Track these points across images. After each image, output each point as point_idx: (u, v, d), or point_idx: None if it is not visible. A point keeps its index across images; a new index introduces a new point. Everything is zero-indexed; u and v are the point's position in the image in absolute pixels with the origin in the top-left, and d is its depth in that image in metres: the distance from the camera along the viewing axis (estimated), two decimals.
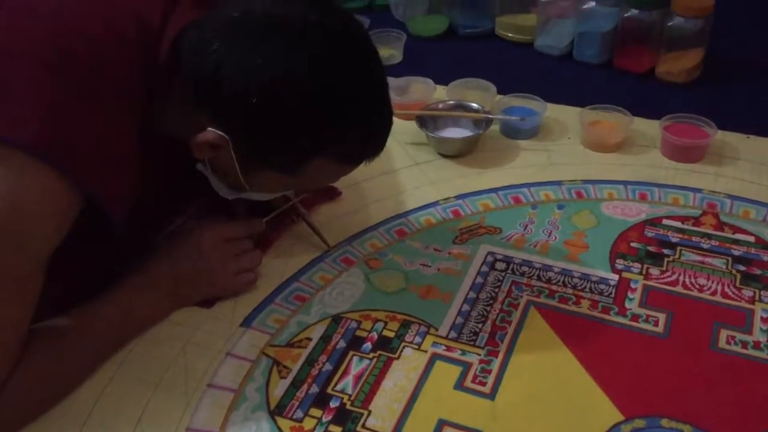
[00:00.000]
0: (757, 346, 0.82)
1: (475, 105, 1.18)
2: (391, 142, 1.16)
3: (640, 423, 0.74)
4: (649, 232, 0.98)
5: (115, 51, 0.71)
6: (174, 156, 0.83)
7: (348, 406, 0.76)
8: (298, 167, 0.76)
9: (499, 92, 1.26)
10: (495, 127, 1.19)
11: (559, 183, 1.08)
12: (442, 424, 0.74)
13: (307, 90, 0.70)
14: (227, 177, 0.81)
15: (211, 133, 0.74)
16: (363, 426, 0.74)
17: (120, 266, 0.85)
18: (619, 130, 1.16)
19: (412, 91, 1.27)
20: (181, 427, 0.75)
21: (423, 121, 1.16)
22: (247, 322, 0.86)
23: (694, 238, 0.97)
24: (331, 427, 0.74)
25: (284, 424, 0.75)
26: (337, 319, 0.86)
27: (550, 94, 1.24)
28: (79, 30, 0.69)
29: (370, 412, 0.76)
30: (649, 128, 1.19)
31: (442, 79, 1.29)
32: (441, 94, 1.26)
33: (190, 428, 0.74)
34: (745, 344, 0.82)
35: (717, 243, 0.96)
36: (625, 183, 1.08)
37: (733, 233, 0.98)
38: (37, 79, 0.66)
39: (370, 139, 0.77)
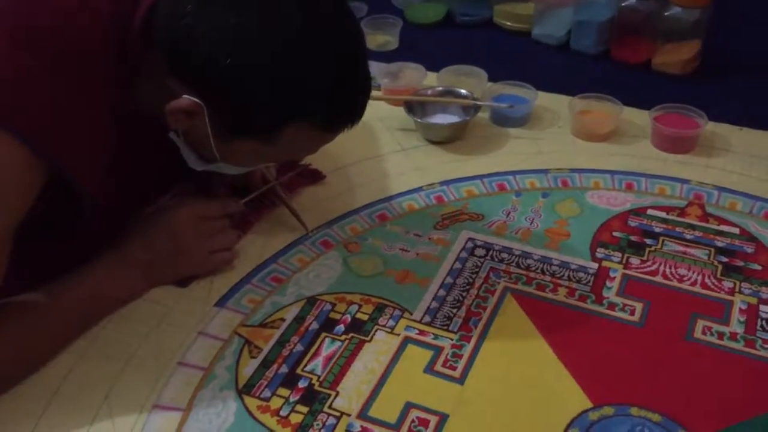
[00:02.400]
0: (733, 337, 0.81)
1: (464, 91, 1.17)
2: (378, 126, 1.17)
3: (608, 410, 0.73)
4: (633, 222, 0.97)
5: (87, 24, 0.70)
6: (155, 143, 0.82)
7: (316, 387, 0.76)
8: (273, 134, 0.74)
9: (494, 80, 1.25)
10: (485, 115, 1.18)
11: (545, 171, 1.07)
12: (408, 407, 0.74)
13: (280, 51, 0.69)
14: (201, 147, 0.80)
15: (186, 99, 0.73)
16: (329, 407, 0.74)
17: (95, 252, 0.84)
18: (609, 119, 1.14)
19: (404, 77, 1.26)
20: (148, 403, 0.75)
21: (411, 107, 1.15)
22: (221, 302, 0.86)
23: (677, 229, 0.96)
24: (298, 407, 0.74)
25: (251, 402, 0.74)
26: (311, 301, 0.86)
27: (546, 83, 1.23)
28: (50, 3, 0.69)
29: (338, 393, 0.75)
30: (640, 118, 1.18)
31: (438, 67, 1.28)
32: (433, 80, 1.25)
33: (157, 405, 0.74)
34: (721, 335, 0.81)
35: (701, 234, 0.95)
36: (612, 173, 1.07)
37: (718, 224, 0.96)
38: (1, 48, 0.65)
39: (344, 103, 0.75)
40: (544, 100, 1.21)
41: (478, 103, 1.14)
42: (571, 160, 1.10)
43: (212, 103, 0.73)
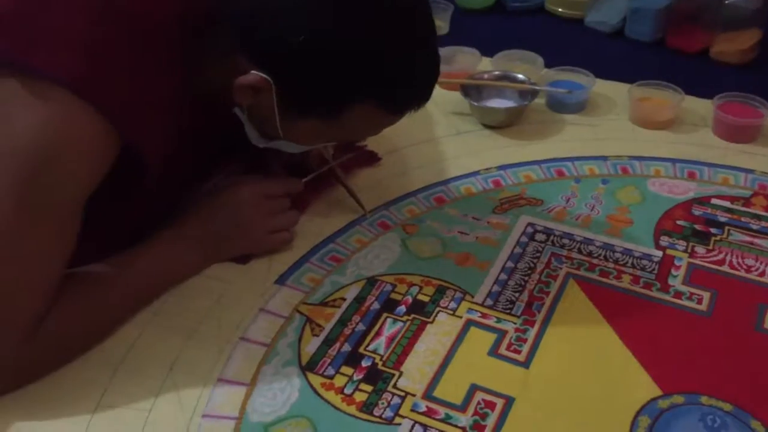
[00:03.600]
0: None
1: (521, 76, 1.15)
2: (433, 110, 1.17)
3: (678, 399, 0.72)
4: (696, 211, 0.95)
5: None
6: (213, 113, 0.82)
7: (380, 366, 0.76)
8: (340, 113, 0.74)
9: (547, 67, 1.23)
10: (540, 100, 1.17)
11: (604, 158, 1.06)
12: (474, 388, 0.73)
13: (354, 29, 0.69)
14: (264, 124, 0.80)
15: (254, 75, 0.72)
16: (394, 386, 0.74)
17: (157, 224, 0.84)
18: (669, 107, 1.12)
19: (458, 61, 1.25)
20: (212, 377, 0.75)
21: (467, 91, 1.14)
22: (281, 280, 0.86)
23: (743, 219, 0.94)
24: (362, 385, 0.74)
25: (315, 379, 0.74)
26: (372, 281, 0.85)
27: (600, 71, 1.21)
28: None
29: (401, 373, 0.75)
30: (701, 107, 1.15)
31: (488, 54, 1.27)
32: (486, 65, 1.24)
33: (221, 378, 0.74)
34: None
35: (767, 224, 0.93)
36: (673, 161, 1.05)
37: None
38: (79, 21, 0.65)
39: (414, 85, 0.75)
40: (600, 87, 1.19)
41: (536, 87, 1.13)
42: (630, 148, 1.08)
43: (280, 79, 0.73)
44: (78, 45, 0.65)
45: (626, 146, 1.08)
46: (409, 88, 0.75)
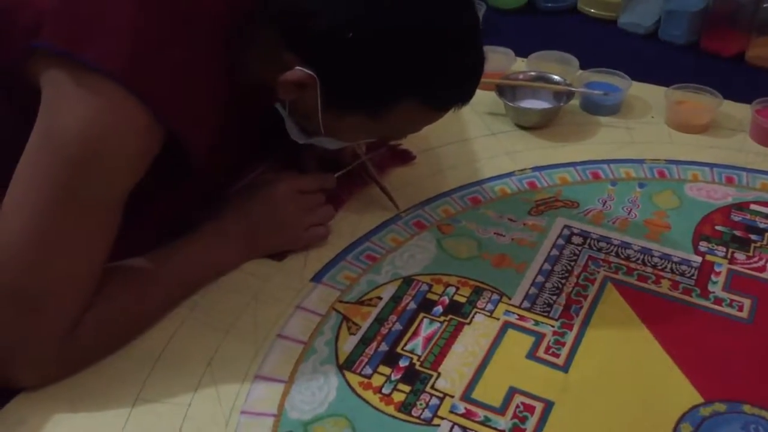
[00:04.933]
0: None
1: (556, 77, 1.15)
2: (467, 110, 1.15)
3: (720, 407, 0.71)
4: (736, 217, 0.94)
5: None
6: (253, 108, 0.83)
7: (417, 366, 0.75)
8: (384, 110, 0.74)
9: (581, 68, 1.22)
10: (575, 102, 1.16)
11: (640, 161, 1.05)
12: (513, 391, 0.73)
13: (403, 27, 0.69)
14: (306, 120, 0.80)
15: (299, 72, 0.72)
16: (432, 387, 0.73)
17: (194, 218, 0.85)
18: (707, 111, 1.11)
19: (491, 61, 1.23)
20: (250, 373, 0.75)
21: (502, 91, 1.13)
22: (317, 278, 0.86)
23: None
24: (400, 386, 0.73)
25: (353, 378, 0.74)
26: (408, 281, 0.85)
27: (633, 73, 1.20)
28: None
29: (439, 374, 0.75)
30: (738, 111, 1.14)
31: (519, 54, 1.26)
32: (520, 65, 1.23)
33: (259, 375, 0.74)
34: None
35: None
36: (710, 165, 1.04)
37: None
38: (128, 13, 0.65)
39: (460, 82, 0.75)
40: (636, 89, 1.18)
41: (572, 89, 1.12)
42: (666, 151, 1.07)
43: (326, 76, 0.72)
44: (127, 37, 0.65)
45: (663, 150, 1.07)
46: (455, 86, 0.75)
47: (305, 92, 0.74)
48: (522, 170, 1.03)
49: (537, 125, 1.11)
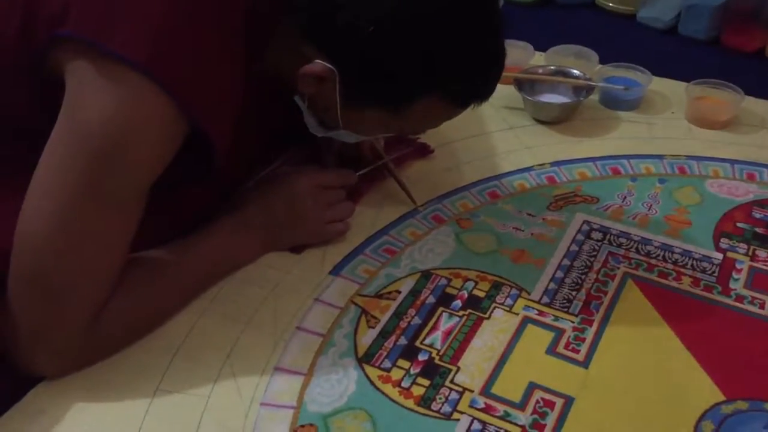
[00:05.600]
0: None
1: (576, 72, 1.14)
2: (485, 105, 1.15)
3: (742, 405, 0.71)
4: (757, 214, 0.93)
5: None
6: (271, 101, 0.82)
7: (436, 361, 0.75)
8: (404, 105, 0.74)
9: (600, 63, 1.22)
10: (594, 97, 1.15)
11: (660, 157, 1.04)
12: (532, 387, 0.73)
13: (425, 23, 0.69)
14: (324, 113, 0.80)
15: (319, 65, 0.72)
16: (451, 381, 0.73)
17: (214, 213, 0.85)
18: (728, 107, 1.10)
19: (510, 55, 1.22)
20: (269, 365, 0.75)
21: (521, 85, 1.12)
22: (336, 271, 0.85)
23: None
24: (420, 380, 0.73)
25: (372, 372, 0.74)
26: (426, 275, 0.85)
27: (652, 68, 1.19)
28: None
29: (459, 368, 0.74)
30: (760, 108, 1.13)
31: (538, 48, 1.25)
32: (538, 60, 1.23)
33: (278, 367, 0.74)
34: None
35: None
36: (731, 162, 1.03)
37: None
38: (155, 6, 0.65)
39: (481, 79, 0.75)
40: (656, 84, 1.17)
41: (592, 84, 1.11)
42: (687, 147, 1.06)
43: (346, 70, 0.72)
44: (151, 28, 0.65)
45: (683, 145, 1.07)
46: (475, 82, 0.74)
47: (324, 85, 0.74)
48: (541, 165, 1.03)
49: (556, 120, 1.10)
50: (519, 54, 1.23)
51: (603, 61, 1.21)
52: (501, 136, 1.09)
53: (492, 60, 0.74)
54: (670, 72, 1.22)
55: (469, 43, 0.71)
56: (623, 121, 1.12)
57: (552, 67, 1.16)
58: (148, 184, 0.70)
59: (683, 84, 1.15)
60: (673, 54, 1.33)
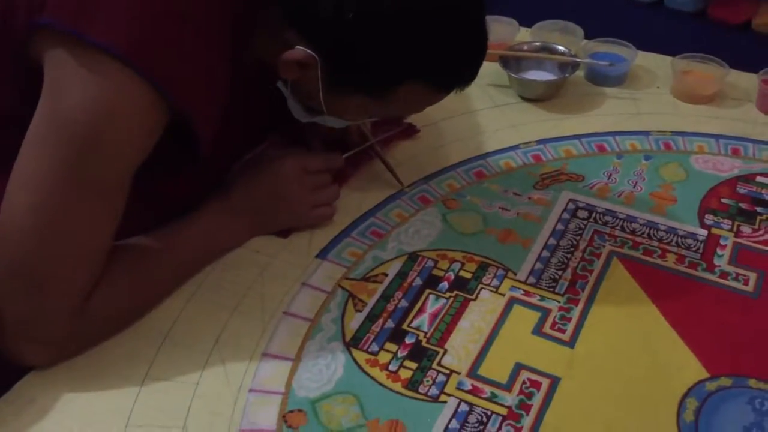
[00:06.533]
0: None
1: (561, 48, 1.13)
2: None
3: (726, 381, 0.71)
4: (742, 189, 0.94)
5: None
6: (258, 92, 0.82)
7: (424, 343, 0.76)
8: (387, 91, 0.74)
9: (586, 38, 1.21)
10: (580, 73, 1.15)
11: (646, 133, 1.04)
12: (519, 367, 0.73)
13: (406, 8, 0.68)
14: (308, 99, 0.79)
15: (301, 51, 0.72)
16: (439, 363, 0.74)
17: (199, 200, 0.84)
18: (713, 81, 1.10)
19: (495, 31, 1.22)
20: (257, 351, 0.75)
21: (506, 62, 1.12)
22: (322, 254, 0.85)
23: None
24: (407, 363, 0.74)
25: (359, 356, 0.74)
26: (413, 257, 0.85)
27: (638, 43, 1.18)
28: None
29: (446, 350, 0.75)
30: (744, 81, 1.13)
31: (523, 23, 1.25)
32: (524, 35, 1.22)
33: (266, 353, 0.75)
34: None
35: None
36: (716, 137, 1.03)
37: None
38: None
39: (464, 63, 0.75)
40: (641, 59, 1.17)
41: (577, 60, 1.11)
42: (672, 123, 1.06)
43: (328, 56, 0.72)
44: (131, 16, 0.64)
45: (668, 121, 1.07)
46: (458, 67, 0.74)
47: (307, 72, 0.74)
48: (527, 143, 1.02)
49: (541, 97, 1.10)
50: (504, 30, 1.22)
51: (589, 35, 1.21)
52: (487, 114, 1.09)
53: (475, 46, 0.74)
54: (656, 45, 1.22)
55: (452, 31, 0.71)
56: (609, 97, 1.12)
57: (537, 44, 1.15)
58: (131, 171, 0.70)
59: (669, 58, 1.15)
60: (659, 27, 1.33)
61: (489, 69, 1.14)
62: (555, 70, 1.12)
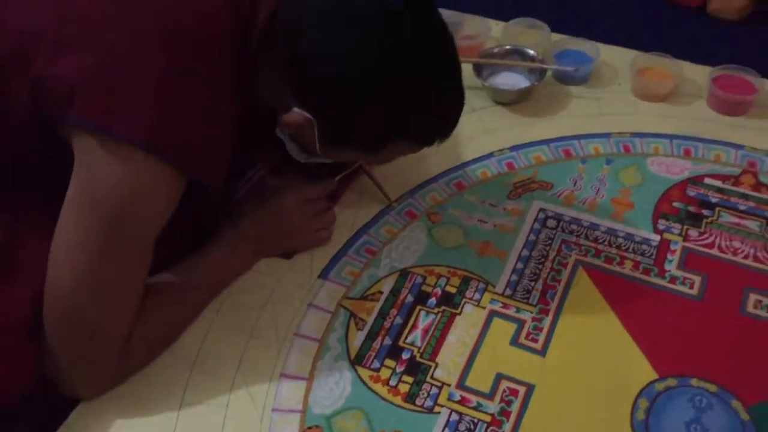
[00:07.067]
0: None
1: (531, 52, 1.22)
2: None
3: (672, 382, 0.85)
4: (691, 192, 1.05)
5: (212, 43, 0.76)
6: (253, 111, 0.90)
7: (418, 358, 0.88)
8: (378, 149, 0.84)
9: (553, 29, 1.29)
10: (548, 71, 1.23)
11: (607, 135, 1.14)
12: (499, 377, 0.86)
13: (394, 84, 0.78)
14: (305, 144, 0.89)
15: (298, 114, 0.81)
16: (431, 377, 0.86)
17: (206, 215, 0.94)
18: (669, 80, 1.19)
19: (466, 29, 1.30)
20: (275, 372, 0.87)
21: (479, 68, 1.20)
22: (324, 274, 0.97)
23: (732, 199, 1.04)
24: (404, 377, 0.86)
25: (364, 373, 0.87)
26: (404, 274, 0.96)
27: (602, 29, 1.26)
28: (179, 28, 0.74)
29: (437, 364, 0.87)
30: (698, 75, 1.22)
31: (494, 13, 1.32)
32: (496, 29, 1.30)
33: (283, 374, 0.87)
34: None
35: (753, 204, 1.03)
36: (670, 137, 1.14)
37: None
38: (151, 82, 0.72)
39: (446, 125, 0.85)
40: (605, 53, 1.26)
41: (545, 66, 1.19)
42: (631, 123, 1.16)
43: (323, 121, 0.81)
44: (151, 108, 0.73)
45: (628, 121, 1.17)
46: (440, 130, 0.84)
47: (304, 130, 0.83)
48: (501, 150, 1.13)
49: (513, 101, 1.19)
50: (475, 27, 1.30)
51: (557, 24, 1.29)
52: (463, 120, 1.14)
53: (457, 106, 0.83)
54: (618, 31, 1.30)
55: (435, 101, 0.80)
56: (574, 98, 1.21)
57: (507, 47, 1.23)
58: (157, 231, 0.80)
59: (629, 51, 1.24)
60: (621, 12, 1.41)
61: (465, 71, 1.21)
62: (525, 73, 1.21)
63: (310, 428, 0.82)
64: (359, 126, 0.81)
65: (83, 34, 0.72)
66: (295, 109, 0.81)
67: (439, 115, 0.83)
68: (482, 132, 1.16)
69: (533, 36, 1.28)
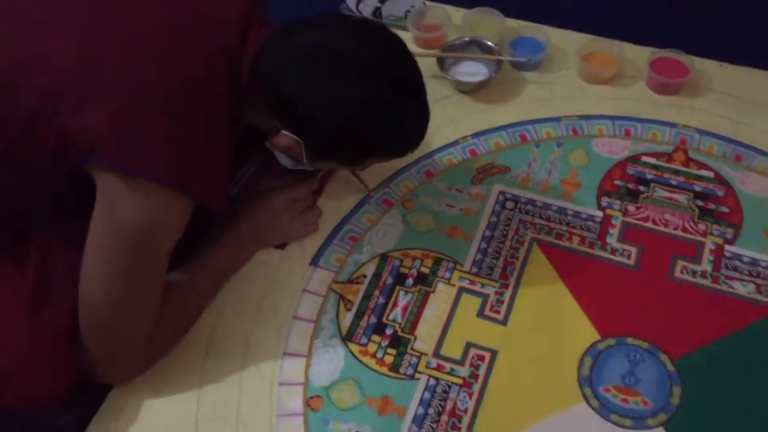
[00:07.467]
0: (703, 275, 1.08)
1: (489, 43, 1.34)
2: None
3: (611, 341, 1.02)
4: (630, 170, 1.20)
5: (211, 86, 0.89)
6: (245, 130, 1.04)
7: (399, 333, 1.04)
8: (359, 161, 0.99)
9: (509, 14, 1.41)
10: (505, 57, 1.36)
11: (558, 119, 1.28)
12: (469, 345, 1.02)
13: (368, 121, 0.91)
14: (293, 157, 1.02)
15: (287, 137, 0.94)
16: (412, 348, 1.02)
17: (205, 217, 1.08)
18: (611, 63, 1.33)
19: (428, 18, 1.42)
20: (279, 351, 1.02)
21: (442, 60, 1.33)
22: (314, 261, 1.11)
23: (665, 175, 1.20)
24: (389, 350, 1.02)
25: (354, 348, 1.02)
26: (384, 258, 1.11)
27: (557, 13, 1.38)
28: (184, 76, 0.87)
29: (415, 337, 1.03)
30: (639, 56, 1.36)
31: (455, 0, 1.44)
32: (456, 16, 1.42)
33: (286, 352, 1.02)
34: (694, 273, 1.08)
35: (683, 179, 1.19)
36: (613, 119, 1.28)
37: (698, 169, 1.20)
38: (161, 129, 0.85)
39: (417, 140, 0.99)
40: (555, 37, 1.38)
41: (501, 58, 1.32)
42: (579, 106, 1.30)
43: (309, 143, 0.95)
44: (163, 149, 0.85)
45: (576, 105, 1.30)
46: (412, 142, 0.97)
47: (292, 148, 0.96)
48: (464, 138, 1.26)
49: (473, 90, 1.32)
50: (437, 16, 1.41)
51: (510, 13, 1.41)
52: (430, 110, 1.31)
53: (425, 126, 0.97)
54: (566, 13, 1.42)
55: (408, 125, 0.94)
56: (529, 83, 1.34)
57: (467, 38, 1.35)
58: (171, 249, 0.93)
59: (577, 35, 1.37)
60: None
61: (426, 62, 1.34)
62: (485, 61, 1.34)
63: (312, 398, 0.98)
64: (343, 149, 0.94)
65: (106, 85, 0.84)
66: (284, 132, 0.94)
67: (413, 134, 0.97)
68: (447, 121, 1.29)
69: (490, 24, 1.39)
